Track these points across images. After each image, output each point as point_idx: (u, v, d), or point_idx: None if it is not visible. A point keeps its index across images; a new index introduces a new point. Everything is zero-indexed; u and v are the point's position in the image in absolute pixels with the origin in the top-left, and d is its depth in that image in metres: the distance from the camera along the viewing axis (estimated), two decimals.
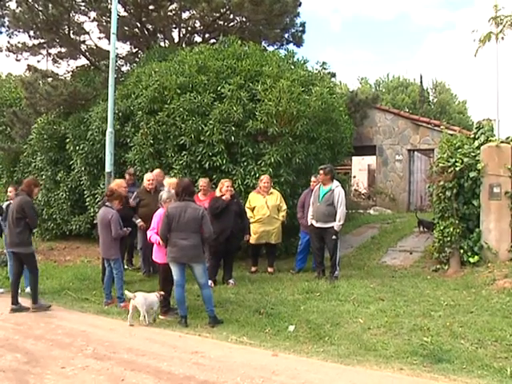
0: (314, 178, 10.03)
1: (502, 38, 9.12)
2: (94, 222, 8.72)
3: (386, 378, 5.08)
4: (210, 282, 8.57)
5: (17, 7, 13.92)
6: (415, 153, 18.78)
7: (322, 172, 9.41)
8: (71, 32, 14.69)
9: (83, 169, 12.48)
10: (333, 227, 9.17)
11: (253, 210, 10.02)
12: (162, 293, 7.37)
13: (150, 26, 15.80)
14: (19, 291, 8.25)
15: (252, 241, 10.00)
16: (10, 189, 9.74)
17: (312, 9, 65.42)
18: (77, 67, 16.09)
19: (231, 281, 9.36)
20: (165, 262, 7.43)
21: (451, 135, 10.76)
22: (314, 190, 9.73)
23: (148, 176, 10.06)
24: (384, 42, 67.67)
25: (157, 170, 10.46)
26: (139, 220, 9.55)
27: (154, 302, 7.24)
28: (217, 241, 8.93)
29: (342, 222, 9.29)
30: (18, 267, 8.28)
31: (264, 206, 9.95)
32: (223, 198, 9.21)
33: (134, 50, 16.70)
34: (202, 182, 9.86)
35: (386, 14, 68.74)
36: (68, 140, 12.70)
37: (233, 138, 10.67)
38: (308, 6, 63.74)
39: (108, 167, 10.81)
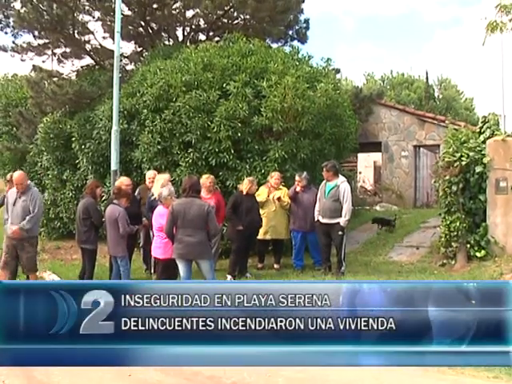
0: (298, 178, 9.91)
1: None
2: (103, 219, 8.82)
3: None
4: (229, 277, 8.66)
5: (21, 7, 13.92)
6: (421, 149, 18.67)
7: (324, 169, 9.46)
8: (76, 32, 14.69)
9: (89, 167, 12.49)
10: (339, 223, 9.18)
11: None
12: None
13: (154, 25, 15.78)
14: None
15: (259, 236, 10.03)
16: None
17: (324, 9, 65.53)
18: (82, 67, 16.07)
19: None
20: (165, 257, 7.48)
21: (456, 130, 10.72)
22: (295, 188, 9.90)
23: (149, 174, 10.07)
24: (395, 38, 67.55)
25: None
26: (144, 218, 9.54)
27: None
28: (243, 235, 9.23)
29: (348, 218, 9.29)
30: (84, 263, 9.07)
31: (270, 202, 9.96)
32: None
33: (139, 49, 16.66)
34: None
35: (396, 11, 68.45)
36: (74, 139, 12.70)
37: (239, 135, 10.69)
38: (320, 7, 63.95)
39: (114, 165, 10.85)
